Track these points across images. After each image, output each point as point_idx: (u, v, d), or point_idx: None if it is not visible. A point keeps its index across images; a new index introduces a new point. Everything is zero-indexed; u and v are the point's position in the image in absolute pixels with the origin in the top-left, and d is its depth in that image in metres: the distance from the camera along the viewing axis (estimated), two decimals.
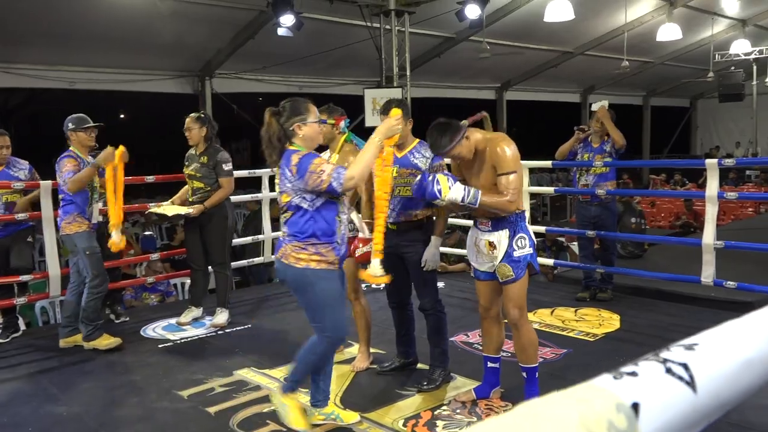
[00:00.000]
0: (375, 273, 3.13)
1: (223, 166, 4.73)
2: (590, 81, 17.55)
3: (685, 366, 0.58)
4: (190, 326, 4.95)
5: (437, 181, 2.90)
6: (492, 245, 3.10)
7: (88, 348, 4.34)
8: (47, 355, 4.38)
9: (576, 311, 5.07)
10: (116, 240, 4.30)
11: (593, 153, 5.31)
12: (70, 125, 4.41)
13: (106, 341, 4.35)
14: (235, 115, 12.04)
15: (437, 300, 3.58)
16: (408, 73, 9.60)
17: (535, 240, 3.20)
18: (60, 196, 4.36)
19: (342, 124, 3.77)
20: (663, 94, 20.63)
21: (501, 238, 3.09)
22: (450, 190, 2.90)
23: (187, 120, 4.78)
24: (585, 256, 5.55)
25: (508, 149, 3.00)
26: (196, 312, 5.05)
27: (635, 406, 0.53)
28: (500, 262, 3.09)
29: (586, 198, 5.40)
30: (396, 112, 3.03)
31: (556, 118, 19.71)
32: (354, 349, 4.09)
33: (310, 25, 9.09)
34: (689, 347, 0.61)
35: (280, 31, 8.76)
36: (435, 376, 3.57)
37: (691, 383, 0.57)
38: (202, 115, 4.84)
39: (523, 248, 3.09)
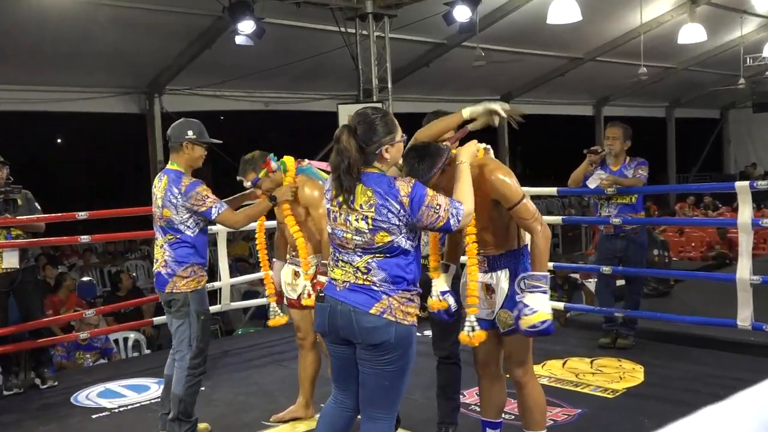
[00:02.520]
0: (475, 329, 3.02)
1: None
2: (604, 91, 17.81)
3: None
4: (129, 391, 4.85)
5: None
6: (490, 288, 3.04)
7: None
8: None
9: (592, 362, 5.02)
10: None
11: None
12: (190, 134, 3.61)
13: None
14: None
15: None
16: (389, 86, 9.67)
17: None
18: (169, 237, 3.60)
19: (272, 164, 3.75)
20: (689, 104, 20.97)
21: (499, 279, 3.02)
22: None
23: None
24: (603, 295, 5.48)
25: (508, 178, 2.93)
26: None
27: None
28: (500, 308, 3.02)
29: (609, 229, 5.33)
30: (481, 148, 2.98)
31: (567, 134, 19.92)
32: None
33: (274, 31, 9.15)
34: None
35: (239, 40, 8.81)
36: None
37: None
38: None
39: None
